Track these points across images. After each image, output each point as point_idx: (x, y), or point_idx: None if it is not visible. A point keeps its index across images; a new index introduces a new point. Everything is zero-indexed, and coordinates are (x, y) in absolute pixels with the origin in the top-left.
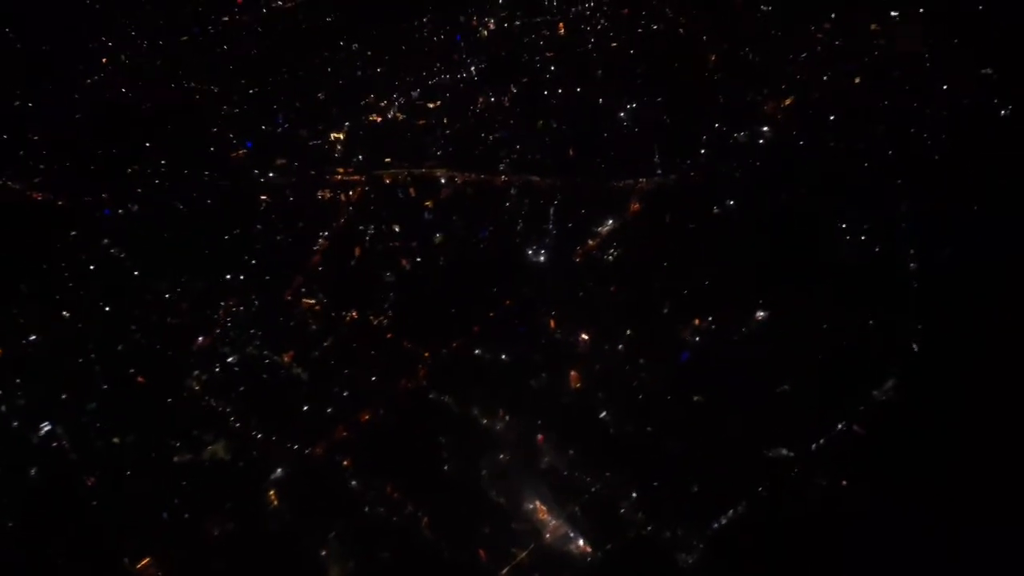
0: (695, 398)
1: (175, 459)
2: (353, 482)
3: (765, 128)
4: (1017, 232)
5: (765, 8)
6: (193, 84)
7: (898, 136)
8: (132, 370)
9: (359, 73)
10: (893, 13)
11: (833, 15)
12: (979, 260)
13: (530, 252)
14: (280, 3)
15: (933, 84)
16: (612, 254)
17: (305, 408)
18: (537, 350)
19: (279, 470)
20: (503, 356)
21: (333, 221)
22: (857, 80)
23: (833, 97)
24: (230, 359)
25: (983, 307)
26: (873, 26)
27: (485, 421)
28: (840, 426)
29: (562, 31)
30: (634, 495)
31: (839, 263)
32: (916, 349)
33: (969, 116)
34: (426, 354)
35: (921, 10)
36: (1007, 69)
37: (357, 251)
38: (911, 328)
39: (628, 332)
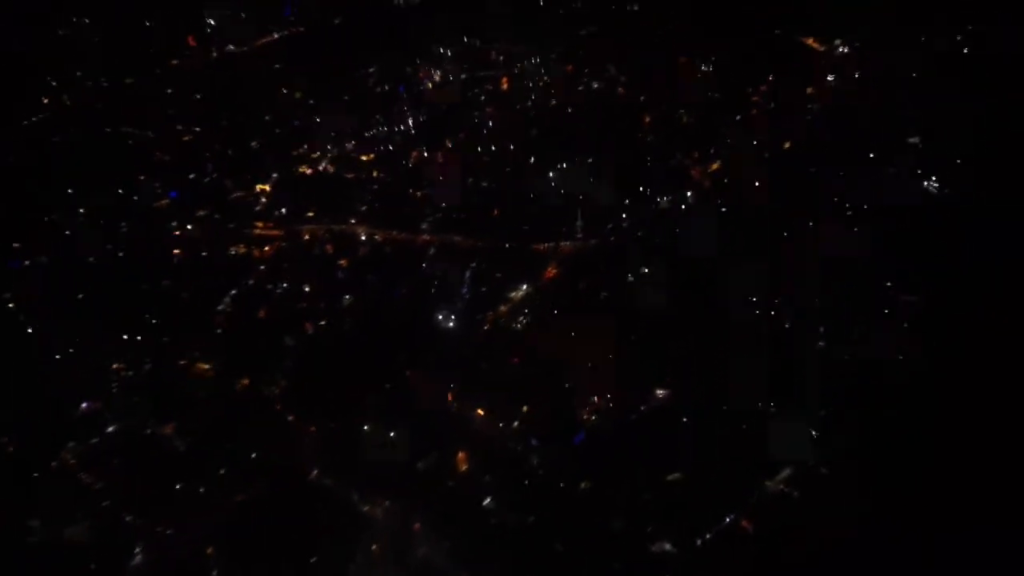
0: (583, 485)
1: (30, 540)
2: (214, 572)
3: (689, 193)
4: (933, 317)
5: (706, 68)
6: (130, 129)
7: (821, 207)
8: (5, 439)
9: (296, 122)
10: (830, 77)
11: (771, 76)
12: (887, 345)
13: (440, 317)
14: (232, 48)
15: (862, 152)
16: (521, 322)
17: (179, 486)
18: (430, 426)
19: (138, 556)
20: (392, 433)
21: (243, 279)
22: (787, 145)
23: (761, 162)
24: (111, 428)
25: (886, 395)
26: (809, 89)
27: (365, 507)
28: (728, 519)
29: (505, 86)
30: None
31: (747, 341)
32: (815, 435)
33: (893, 188)
34: (312, 428)
35: (857, 75)
36: (935, 140)
37: (262, 312)
38: (812, 414)
39: (525, 409)
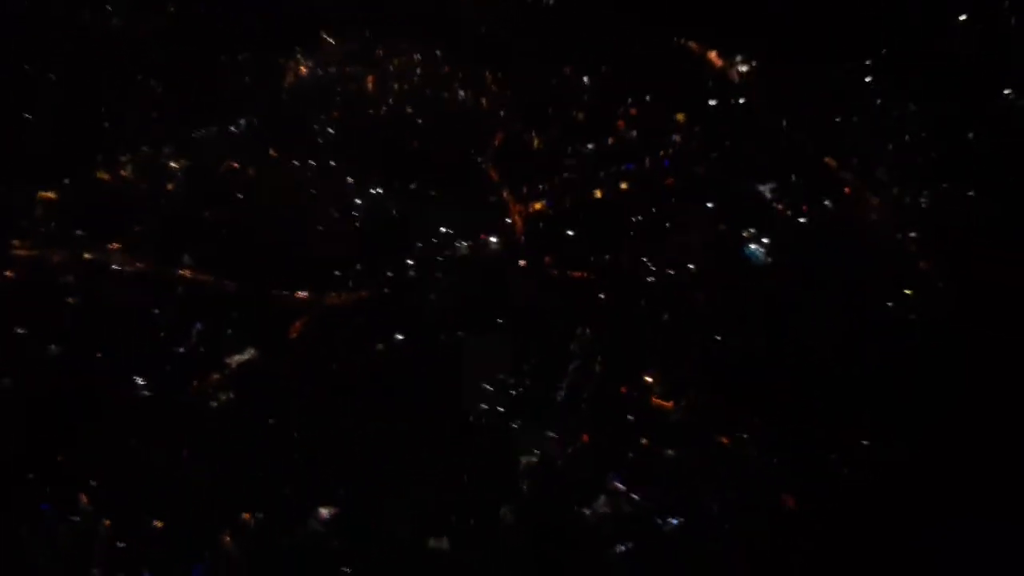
0: None
1: None
2: None
3: (493, 239)
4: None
5: (586, 80)
6: None
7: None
8: None
9: (129, 114)
10: (712, 101)
11: (648, 97)
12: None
13: (140, 381)
14: (116, 21)
15: (697, 201)
16: (222, 398)
17: None
18: (69, 527)
19: None
20: (20, 532)
21: None
22: (624, 186)
23: (590, 205)
24: None
25: None
26: (680, 116)
27: None
28: None
29: (370, 86)
30: None
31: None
32: None
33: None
34: None
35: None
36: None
37: None
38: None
39: (159, 524)
